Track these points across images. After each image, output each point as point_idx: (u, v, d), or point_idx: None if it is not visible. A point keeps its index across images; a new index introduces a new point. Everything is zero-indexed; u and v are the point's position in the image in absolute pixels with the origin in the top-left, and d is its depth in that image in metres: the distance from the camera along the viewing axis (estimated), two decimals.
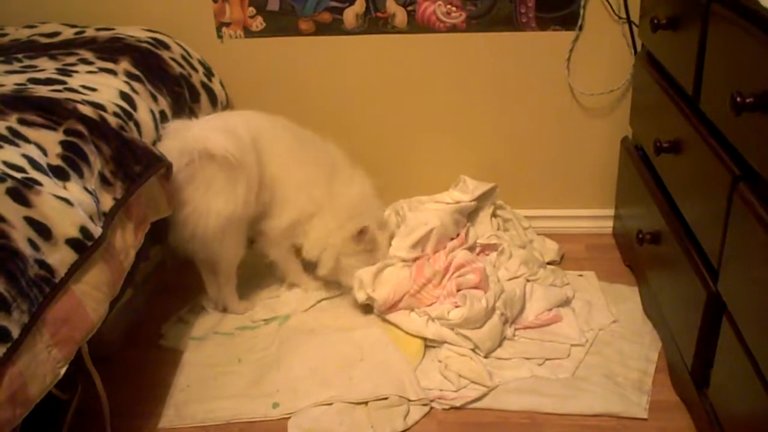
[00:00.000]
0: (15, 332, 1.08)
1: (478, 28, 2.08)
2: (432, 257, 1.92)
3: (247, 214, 1.79)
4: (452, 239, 2.00)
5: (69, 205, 1.25)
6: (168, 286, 2.10)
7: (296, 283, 2.05)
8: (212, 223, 1.73)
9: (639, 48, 2.00)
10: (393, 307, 1.85)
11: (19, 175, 1.21)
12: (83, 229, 1.25)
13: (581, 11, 2.01)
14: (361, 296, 1.88)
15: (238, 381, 1.71)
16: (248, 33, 2.15)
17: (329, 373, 1.70)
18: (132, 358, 1.82)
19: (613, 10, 2.00)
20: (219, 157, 1.67)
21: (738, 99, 1.12)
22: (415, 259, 1.92)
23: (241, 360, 1.78)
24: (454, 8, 2.06)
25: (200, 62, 2.05)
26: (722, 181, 1.24)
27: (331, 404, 1.60)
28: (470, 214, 2.11)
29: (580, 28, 2.04)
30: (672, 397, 1.59)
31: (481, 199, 2.12)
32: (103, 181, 1.41)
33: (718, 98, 1.29)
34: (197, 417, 1.61)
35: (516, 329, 1.81)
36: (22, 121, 1.36)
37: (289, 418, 1.59)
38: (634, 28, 1.99)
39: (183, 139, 1.69)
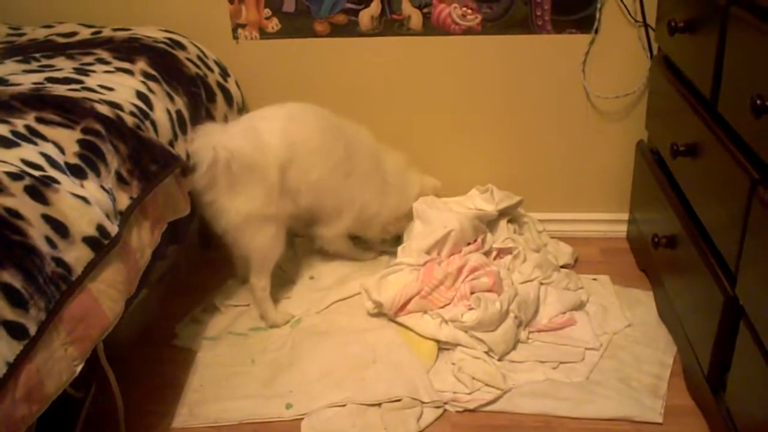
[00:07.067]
0: (32, 329, 1.08)
1: (494, 31, 2.07)
2: (446, 260, 1.92)
3: (277, 212, 1.83)
4: (468, 244, 1.99)
5: (86, 203, 1.25)
6: (182, 286, 2.10)
7: (355, 259, 2.16)
8: (233, 221, 1.79)
9: (655, 51, 1.99)
10: (401, 309, 1.85)
11: (37, 173, 1.22)
12: (100, 228, 1.26)
13: (597, 14, 2.00)
14: (368, 306, 1.91)
15: (251, 381, 1.71)
16: (264, 34, 2.16)
17: (342, 375, 1.69)
18: (145, 357, 1.83)
19: (630, 14, 1.99)
20: (233, 159, 1.72)
21: (758, 102, 1.11)
22: (424, 264, 1.92)
23: (255, 360, 1.78)
24: (469, 11, 2.05)
25: (216, 63, 2.06)
26: (741, 185, 1.24)
27: (344, 405, 1.60)
28: (489, 222, 2.10)
29: (596, 32, 2.03)
30: (687, 402, 1.59)
31: (505, 211, 2.12)
32: (120, 179, 1.41)
33: (737, 101, 1.28)
34: (210, 417, 1.61)
35: (530, 332, 1.81)
36: (40, 120, 1.37)
37: (302, 419, 1.59)
38: (651, 32, 1.98)
39: (204, 143, 1.73)
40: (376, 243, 2.18)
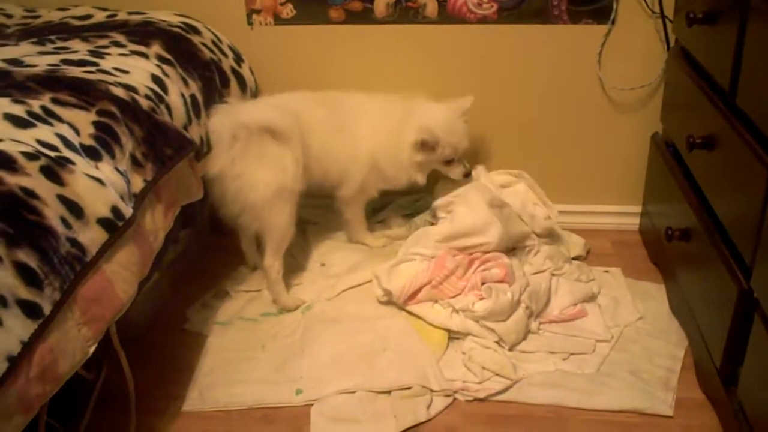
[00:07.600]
0: (47, 309, 1.09)
1: (510, 20, 2.06)
2: (458, 253, 1.90)
3: (297, 188, 1.85)
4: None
5: (101, 184, 1.26)
6: (193, 270, 2.10)
7: (361, 241, 2.18)
8: (261, 194, 1.81)
9: (672, 43, 1.97)
10: (411, 298, 1.85)
11: (52, 154, 1.22)
12: (114, 209, 1.26)
13: (614, 5, 1.99)
14: (378, 293, 1.90)
15: (261, 366, 1.71)
16: (278, 20, 2.15)
17: (353, 362, 1.69)
18: (157, 341, 1.83)
19: (647, 5, 1.98)
20: (273, 129, 1.78)
21: None
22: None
23: (265, 346, 1.79)
24: None
25: (230, 48, 2.06)
26: (758, 177, 1.23)
27: (354, 392, 1.61)
28: None
29: (613, 22, 2.02)
30: (698, 395, 1.58)
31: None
32: (135, 162, 1.41)
33: (756, 94, 1.27)
34: (220, 401, 1.62)
35: (541, 323, 1.80)
36: (55, 101, 1.36)
37: (311, 405, 1.59)
38: (668, 23, 1.96)
39: (237, 114, 1.79)
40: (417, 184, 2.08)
